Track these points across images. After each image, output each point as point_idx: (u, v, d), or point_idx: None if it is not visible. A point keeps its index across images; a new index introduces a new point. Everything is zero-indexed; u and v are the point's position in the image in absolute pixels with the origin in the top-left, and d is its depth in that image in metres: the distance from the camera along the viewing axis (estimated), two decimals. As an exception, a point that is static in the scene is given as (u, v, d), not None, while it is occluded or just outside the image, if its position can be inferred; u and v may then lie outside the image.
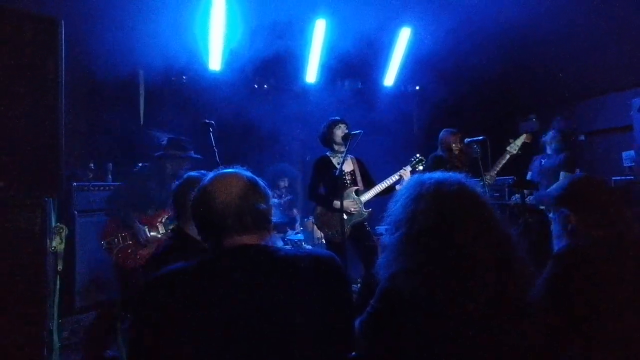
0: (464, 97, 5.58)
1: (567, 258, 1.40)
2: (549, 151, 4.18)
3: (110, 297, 3.42)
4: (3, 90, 1.79)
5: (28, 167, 1.83)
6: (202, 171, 1.83)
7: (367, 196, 3.36)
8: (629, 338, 1.29)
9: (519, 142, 3.69)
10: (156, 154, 3.21)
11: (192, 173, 1.85)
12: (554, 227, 1.56)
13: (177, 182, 1.83)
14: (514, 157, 3.71)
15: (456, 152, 3.71)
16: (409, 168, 3.38)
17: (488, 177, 3.57)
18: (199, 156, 3.26)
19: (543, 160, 4.17)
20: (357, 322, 1.13)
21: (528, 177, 4.29)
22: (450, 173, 1.17)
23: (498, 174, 3.75)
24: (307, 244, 4.49)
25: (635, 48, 4.63)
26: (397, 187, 3.32)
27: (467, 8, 4.35)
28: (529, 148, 4.20)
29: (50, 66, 1.91)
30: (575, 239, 1.47)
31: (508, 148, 3.69)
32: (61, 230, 1.93)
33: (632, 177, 4.06)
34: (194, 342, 0.89)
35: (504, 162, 3.69)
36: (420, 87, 5.99)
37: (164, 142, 3.23)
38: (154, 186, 3.10)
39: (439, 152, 3.80)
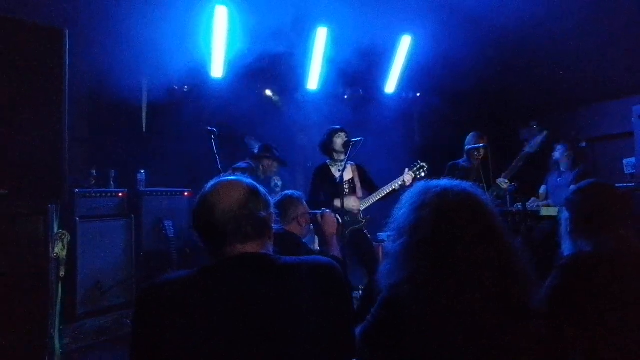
0: (464, 104, 5.59)
1: (570, 267, 1.40)
2: (562, 168, 4.15)
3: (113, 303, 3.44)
4: (8, 98, 1.82)
5: (31, 174, 1.84)
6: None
7: (366, 204, 3.37)
8: (632, 344, 1.29)
9: (536, 142, 3.47)
10: (252, 157, 3.83)
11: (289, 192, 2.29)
12: (562, 228, 1.59)
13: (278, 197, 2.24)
14: (531, 158, 3.50)
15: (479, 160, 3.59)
16: (410, 173, 3.37)
17: (502, 183, 3.52)
18: (285, 161, 3.91)
19: (559, 179, 4.15)
20: (358, 330, 1.13)
21: (542, 190, 4.29)
22: (457, 181, 1.15)
23: (511, 180, 3.59)
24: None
25: (637, 54, 4.65)
26: (395, 186, 3.33)
27: (467, 15, 4.37)
28: (542, 162, 4.16)
29: (54, 75, 1.93)
30: (577, 245, 1.49)
31: (526, 149, 3.49)
32: (63, 237, 1.94)
33: (633, 184, 4.04)
34: (193, 351, 0.89)
35: (520, 165, 3.50)
36: (421, 94, 6.01)
37: (257, 148, 3.91)
38: None
39: (462, 161, 3.72)
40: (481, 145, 3.56)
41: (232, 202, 1.02)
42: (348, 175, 3.45)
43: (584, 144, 5.62)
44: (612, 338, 1.28)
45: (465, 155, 3.80)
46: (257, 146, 3.95)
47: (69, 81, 2.03)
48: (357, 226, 3.34)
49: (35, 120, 1.89)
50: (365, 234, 3.40)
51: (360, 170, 3.54)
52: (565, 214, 1.58)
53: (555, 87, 5.53)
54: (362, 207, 3.37)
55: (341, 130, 3.44)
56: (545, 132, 3.60)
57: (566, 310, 1.33)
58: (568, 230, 1.54)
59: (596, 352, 1.29)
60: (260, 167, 3.76)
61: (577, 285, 1.34)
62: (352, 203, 3.30)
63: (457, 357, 1.00)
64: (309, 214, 2.20)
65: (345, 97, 5.68)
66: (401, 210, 1.15)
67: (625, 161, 4.61)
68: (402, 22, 4.74)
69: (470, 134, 3.82)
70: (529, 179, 4.36)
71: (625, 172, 4.59)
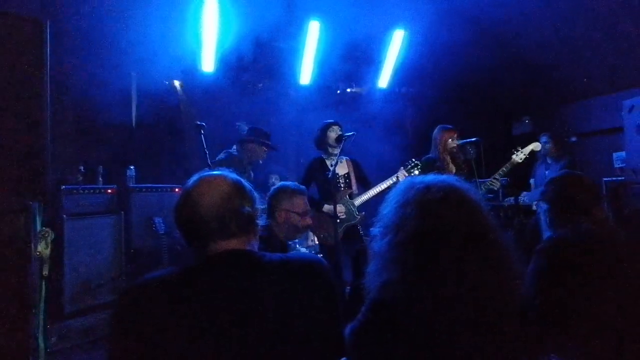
0: (457, 99, 5.60)
1: (549, 250, 1.50)
2: (548, 160, 4.13)
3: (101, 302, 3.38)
4: (-13, 92, 1.76)
5: (12, 169, 1.79)
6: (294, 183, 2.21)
7: (360, 200, 3.35)
8: (610, 326, 1.33)
9: (527, 150, 3.48)
10: (238, 141, 3.52)
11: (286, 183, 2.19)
12: (542, 221, 1.72)
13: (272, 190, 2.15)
14: (518, 165, 3.53)
15: (451, 152, 3.51)
16: (404, 171, 3.35)
17: (491, 181, 3.48)
18: (275, 146, 3.62)
19: (547, 171, 4.11)
20: (347, 330, 1.11)
21: (531, 183, 4.30)
22: (443, 176, 1.13)
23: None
24: (302, 247, 4.46)
25: (626, 50, 4.67)
26: (389, 183, 3.30)
27: (460, 11, 4.37)
28: (532, 156, 4.12)
29: (35, 67, 1.88)
30: (555, 231, 1.62)
31: (514, 157, 3.48)
32: (47, 235, 1.90)
33: (623, 178, 4.08)
34: (177, 351, 0.87)
35: (507, 169, 3.52)
36: (413, 89, 6.00)
37: (245, 132, 3.61)
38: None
39: (431, 154, 3.60)
40: (474, 139, 3.54)
41: (215, 197, 0.99)
42: (343, 170, 3.43)
43: (574, 139, 5.65)
44: (587, 318, 1.33)
45: (432, 147, 3.57)
46: (246, 129, 3.67)
47: (56, 76, 1.98)
48: (353, 222, 3.32)
49: (16, 115, 1.84)
50: (359, 230, 3.38)
51: (355, 165, 3.51)
52: (543, 206, 1.70)
53: (546, 82, 5.56)
54: (357, 204, 3.35)
55: (335, 123, 3.41)
56: (534, 143, 3.55)
57: (552, 292, 1.38)
58: (548, 221, 1.66)
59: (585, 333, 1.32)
60: (246, 152, 3.47)
61: (558, 267, 1.44)
62: (339, 208, 3.21)
63: (449, 356, 0.98)
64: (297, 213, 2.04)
65: (338, 91, 5.65)
66: (386, 209, 1.13)
67: (615, 155, 4.65)
68: (395, 16, 4.71)
69: (439, 127, 3.59)
70: (521, 173, 4.37)
71: (615, 166, 4.64)
